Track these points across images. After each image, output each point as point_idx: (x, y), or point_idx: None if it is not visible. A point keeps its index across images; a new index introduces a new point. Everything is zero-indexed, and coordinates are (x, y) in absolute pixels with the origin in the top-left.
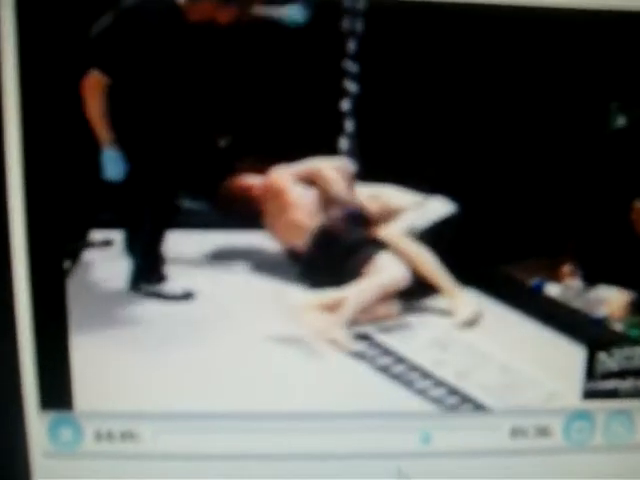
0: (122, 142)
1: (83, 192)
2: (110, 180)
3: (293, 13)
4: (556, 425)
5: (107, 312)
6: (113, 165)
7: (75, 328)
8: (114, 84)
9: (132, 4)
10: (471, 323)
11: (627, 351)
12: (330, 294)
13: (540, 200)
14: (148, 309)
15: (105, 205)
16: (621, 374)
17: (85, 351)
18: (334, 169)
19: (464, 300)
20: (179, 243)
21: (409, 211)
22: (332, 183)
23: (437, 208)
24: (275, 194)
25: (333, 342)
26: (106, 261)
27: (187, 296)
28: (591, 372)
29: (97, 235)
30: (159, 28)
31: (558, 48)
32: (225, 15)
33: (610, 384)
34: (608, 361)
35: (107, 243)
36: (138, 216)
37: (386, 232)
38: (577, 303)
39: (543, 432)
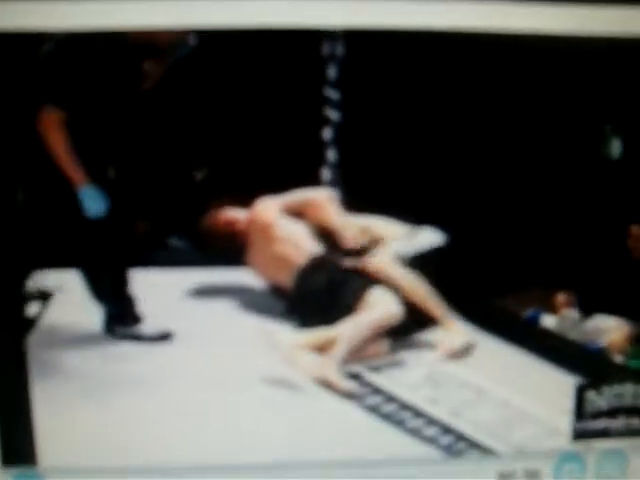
0: (95, 178)
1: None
2: (92, 218)
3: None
4: (546, 468)
5: (72, 364)
6: (93, 202)
7: (37, 381)
8: (72, 119)
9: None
10: (462, 354)
11: (617, 389)
12: (320, 333)
13: (534, 228)
14: (116, 359)
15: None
16: (612, 413)
17: (49, 405)
18: (327, 199)
19: (456, 329)
20: (159, 281)
21: (397, 239)
22: (327, 213)
23: (426, 237)
24: (261, 228)
25: (326, 384)
26: (68, 309)
27: (165, 337)
28: (580, 412)
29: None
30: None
31: (544, 74)
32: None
33: (601, 423)
34: (598, 400)
35: (45, 296)
36: (101, 258)
37: (375, 260)
38: (574, 334)
39: (533, 475)
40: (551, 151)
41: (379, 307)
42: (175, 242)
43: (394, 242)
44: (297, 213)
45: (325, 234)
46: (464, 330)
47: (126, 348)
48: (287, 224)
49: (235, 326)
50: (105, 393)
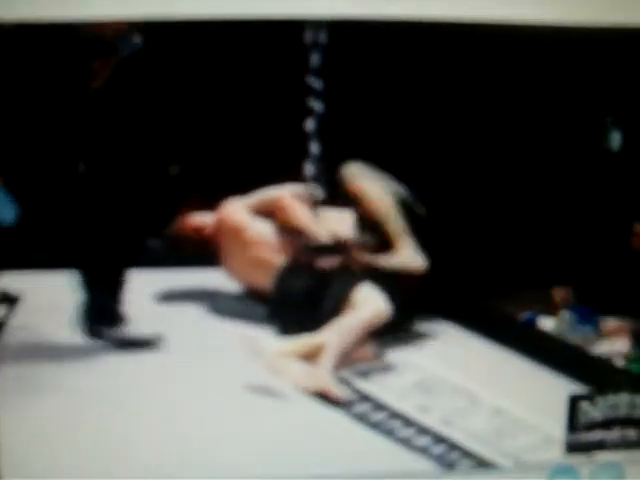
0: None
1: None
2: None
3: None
4: None
5: (40, 374)
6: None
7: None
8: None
9: None
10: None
11: (612, 399)
12: (306, 340)
13: (533, 225)
14: (89, 369)
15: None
16: (606, 424)
17: (12, 420)
18: (294, 197)
19: (410, 252)
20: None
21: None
22: (294, 212)
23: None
24: (231, 232)
25: (321, 394)
26: (36, 315)
27: (157, 341)
28: (574, 423)
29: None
30: None
31: (537, 63)
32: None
33: (595, 435)
34: (592, 411)
35: (11, 300)
36: (102, 253)
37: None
38: (573, 337)
39: None
40: (550, 145)
41: (366, 306)
42: (152, 243)
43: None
44: (267, 212)
45: (299, 233)
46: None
47: (99, 357)
48: (259, 226)
49: (211, 332)
50: (78, 404)
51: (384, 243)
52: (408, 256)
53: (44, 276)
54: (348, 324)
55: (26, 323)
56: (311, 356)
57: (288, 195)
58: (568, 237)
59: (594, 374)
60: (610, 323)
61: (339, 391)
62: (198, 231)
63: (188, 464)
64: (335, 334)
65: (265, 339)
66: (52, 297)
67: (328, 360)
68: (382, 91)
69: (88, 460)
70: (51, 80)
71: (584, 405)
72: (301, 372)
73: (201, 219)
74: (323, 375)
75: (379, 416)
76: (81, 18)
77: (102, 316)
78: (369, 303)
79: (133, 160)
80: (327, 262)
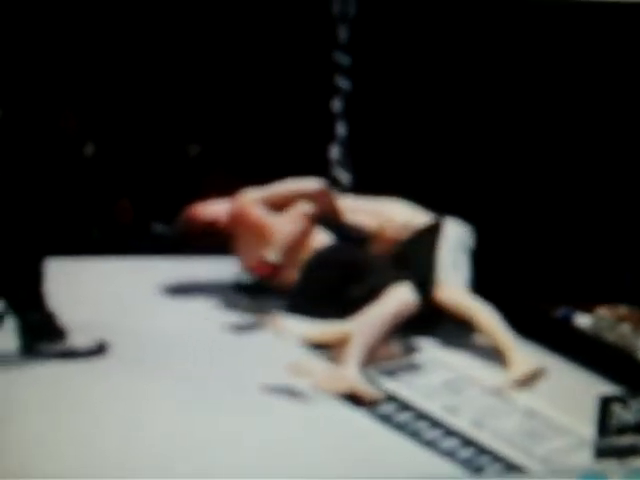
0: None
1: None
2: None
3: None
4: None
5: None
6: None
7: None
8: None
9: None
10: (528, 382)
11: None
12: (334, 327)
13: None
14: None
15: None
16: (639, 428)
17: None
18: (321, 189)
19: (522, 356)
20: (131, 273)
21: (447, 259)
22: (329, 203)
23: (461, 240)
24: (249, 226)
25: (352, 396)
26: None
27: (101, 348)
28: (605, 427)
29: None
30: None
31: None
32: None
33: (627, 440)
34: (624, 414)
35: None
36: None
37: (447, 293)
38: (611, 336)
39: None
40: (594, 142)
41: (393, 297)
42: (159, 229)
43: (446, 266)
44: (281, 205)
45: (328, 225)
46: (531, 357)
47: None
48: (280, 220)
49: (220, 327)
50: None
51: None
52: None
53: None
54: (375, 314)
55: None
56: (338, 345)
57: (315, 187)
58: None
59: (631, 375)
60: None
61: (370, 391)
62: (211, 224)
63: (196, 464)
64: (363, 324)
65: (292, 322)
66: None
67: (356, 351)
68: (413, 69)
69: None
70: None
71: (616, 407)
72: (327, 375)
73: (213, 210)
74: (351, 376)
75: (405, 417)
76: None
77: (39, 333)
78: (396, 293)
79: (157, 136)
80: (351, 255)
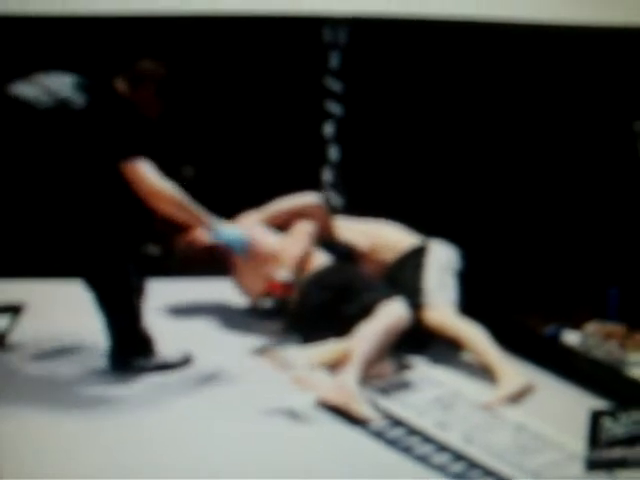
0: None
1: None
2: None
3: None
4: None
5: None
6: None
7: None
8: None
9: None
10: (517, 398)
11: (636, 415)
12: (332, 347)
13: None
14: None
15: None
16: (629, 441)
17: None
18: (316, 205)
19: (512, 374)
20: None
21: (434, 281)
22: (325, 220)
23: (447, 260)
24: (254, 248)
25: (346, 410)
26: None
27: (187, 360)
28: (595, 440)
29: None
30: None
31: (568, 68)
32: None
33: (617, 452)
34: (614, 427)
35: (15, 310)
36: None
37: (434, 314)
38: (598, 352)
39: None
40: (577, 155)
41: (387, 312)
42: (151, 250)
43: (432, 285)
44: (282, 224)
45: (323, 243)
46: (520, 373)
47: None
48: (276, 239)
49: (223, 349)
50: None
51: None
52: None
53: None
54: (371, 329)
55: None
56: (338, 363)
57: (313, 202)
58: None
59: (619, 390)
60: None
61: (366, 411)
62: (211, 246)
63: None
64: (360, 339)
65: (292, 351)
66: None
67: (355, 366)
68: (404, 94)
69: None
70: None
71: (606, 421)
72: (329, 386)
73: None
74: (352, 392)
75: (397, 433)
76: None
77: (130, 346)
78: (389, 309)
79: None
80: (347, 274)
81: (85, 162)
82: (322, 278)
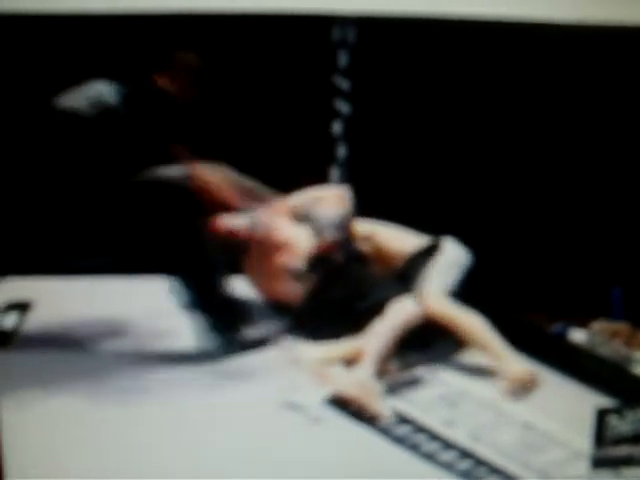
0: None
1: None
2: None
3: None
4: None
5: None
6: None
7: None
8: None
9: None
10: (522, 388)
11: None
12: (345, 345)
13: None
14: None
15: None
16: (635, 439)
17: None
18: (338, 192)
19: (514, 362)
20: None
21: (433, 270)
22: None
23: (456, 257)
24: (274, 237)
25: (369, 409)
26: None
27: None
28: (601, 438)
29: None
30: None
31: (582, 72)
32: None
33: (623, 450)
34: (619, 425)
35: (23, 307)
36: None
37: (429, 303)
38: (605, 350)
39: None
40: (586, 158)
41: (398, 309)
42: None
43: (431, 273)
44: (304, 217)
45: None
46: (522, 363)
47: (109, 360)
48: (294, 229)
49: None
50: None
51: None
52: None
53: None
54: (383, 327)
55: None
56: (351, 359)
57: (334, 194)
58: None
59: (626, 387)
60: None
61: (382, 407)
62: (232, 233)
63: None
64: (372, 338)
65: (304, 348)
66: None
67: (371, 362)
68: (412, 93)
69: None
70: None
71: (612, 419)
72: (347, 381)
73: (235, 222)
74: (370, 388)
75: (403, 430)
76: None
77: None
78: (400, 305)
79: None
80: (357, 272)
81: (139, 163)
82: (334, 276)
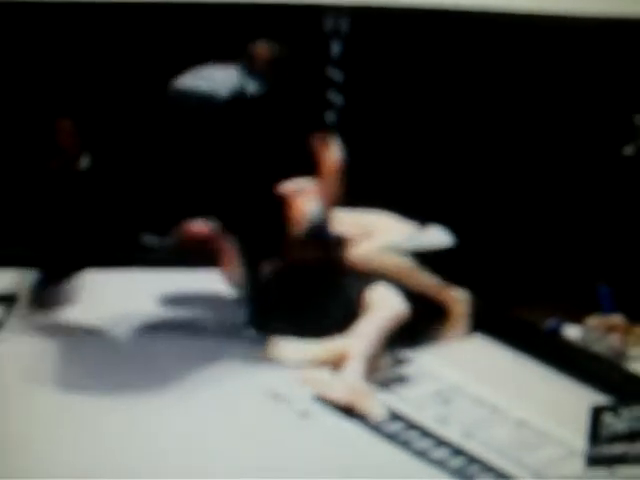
0: None
1: None
2: None
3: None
4: None
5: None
6: None
7: None
8: None
9: None
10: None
11: (637, 410)
12: (328, 345)
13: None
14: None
15: None
16: (630, 437)
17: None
18: (310, 191)
19: (456, 297)
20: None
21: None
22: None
23: (433, 235)
24: None
25: (355, 409)
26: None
27: None
28: (595, 436)
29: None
30: None
31: (571, 58)
32: None
33: (618, 448)
34: (615, 423)
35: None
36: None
37: (362, 249)
38: (599, 347)
39: None
40: (576, 145)
41: (384, 306)
42: (148, 240)
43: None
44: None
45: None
46: (463, 295)
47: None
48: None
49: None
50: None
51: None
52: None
53: None
54: (370, 326)
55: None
56: (337, 361)
57: (305, 189)
58: (598, 240)
59: (620, 385)
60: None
61: (377, 408)
62: (203, 239)
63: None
64: (359, 338)
65: (285, 345)
66: None
67: (357, 366)
68: (405, 84)
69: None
70: None
71: (607, 417)
72: (337, 385)
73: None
74: (362, 390)
75: (395, 427)
76: None
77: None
78: (386, 303)
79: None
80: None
81: (271, 144)
82: (293, 269)
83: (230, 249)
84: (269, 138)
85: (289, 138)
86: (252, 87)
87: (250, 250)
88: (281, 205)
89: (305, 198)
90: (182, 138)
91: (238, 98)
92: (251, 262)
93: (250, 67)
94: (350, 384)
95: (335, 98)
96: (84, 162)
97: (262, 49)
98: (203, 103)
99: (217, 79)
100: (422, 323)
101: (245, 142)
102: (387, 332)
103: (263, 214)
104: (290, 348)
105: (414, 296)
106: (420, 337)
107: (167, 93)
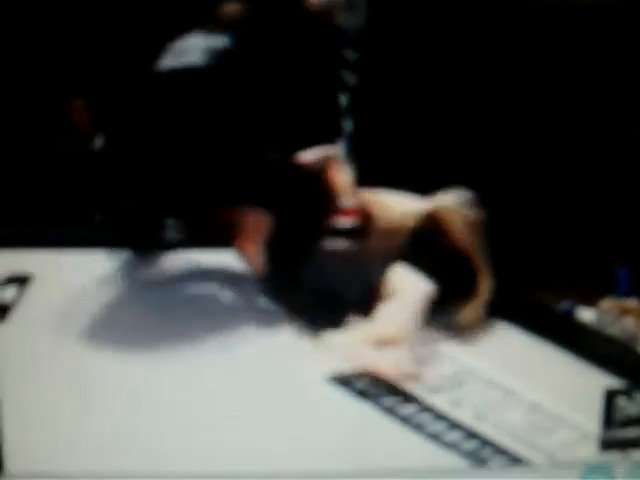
0: None
1: None
2: None
3: None
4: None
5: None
6: None
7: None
8: None
9: None
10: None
11: None
12: (373, 332)
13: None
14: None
15: None
16: None
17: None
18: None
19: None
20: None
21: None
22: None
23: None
24: None
25: (412, 378)
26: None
27: None
28: (609, 419)
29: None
30: None
31: (590, 39)
32: None
33: (632, 432)
34: (629, 406)
35: (21, 280)
36: None
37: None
38: (614, 330)
39: None
40: (597, 126)
41: (412, 286)
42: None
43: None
44: None
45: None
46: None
47: (112, 346)
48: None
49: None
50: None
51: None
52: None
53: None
54: (403, 310)
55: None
56: (383, 344)
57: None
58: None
59: (634, 368)
60: None
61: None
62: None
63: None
64: (395, 323)
65: (338, 337)
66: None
67: (406, 348)
68: (422, 65)
69: (101, 450)
70: None
71: (621, 400)
72: (385, 360)
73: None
74: (409, 370)
75: (408, 409)
76: None
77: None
78: (412, 283)
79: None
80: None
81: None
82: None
83: (256, 223)
84: (270, 96)
85: (293, 96)
86: (224, 45)
87: (291, 228)
88: (314, 176)
89: (335, 167)
90: (182, 121)
91: (218, 63)
92: (289, 241)
93: (219, 27)
94: (399, 363)
95: (349, 78)
96: (98, 142)
97: (228, 8)
98: (186, 81)
99: (189, 50)
100: (447, 302)
101: (248, 103)
102: (420, 314)
103: (296, 187)
104: (340, 338)
105: (440, 273)
106: (441, 317)
107: (154, 79)
